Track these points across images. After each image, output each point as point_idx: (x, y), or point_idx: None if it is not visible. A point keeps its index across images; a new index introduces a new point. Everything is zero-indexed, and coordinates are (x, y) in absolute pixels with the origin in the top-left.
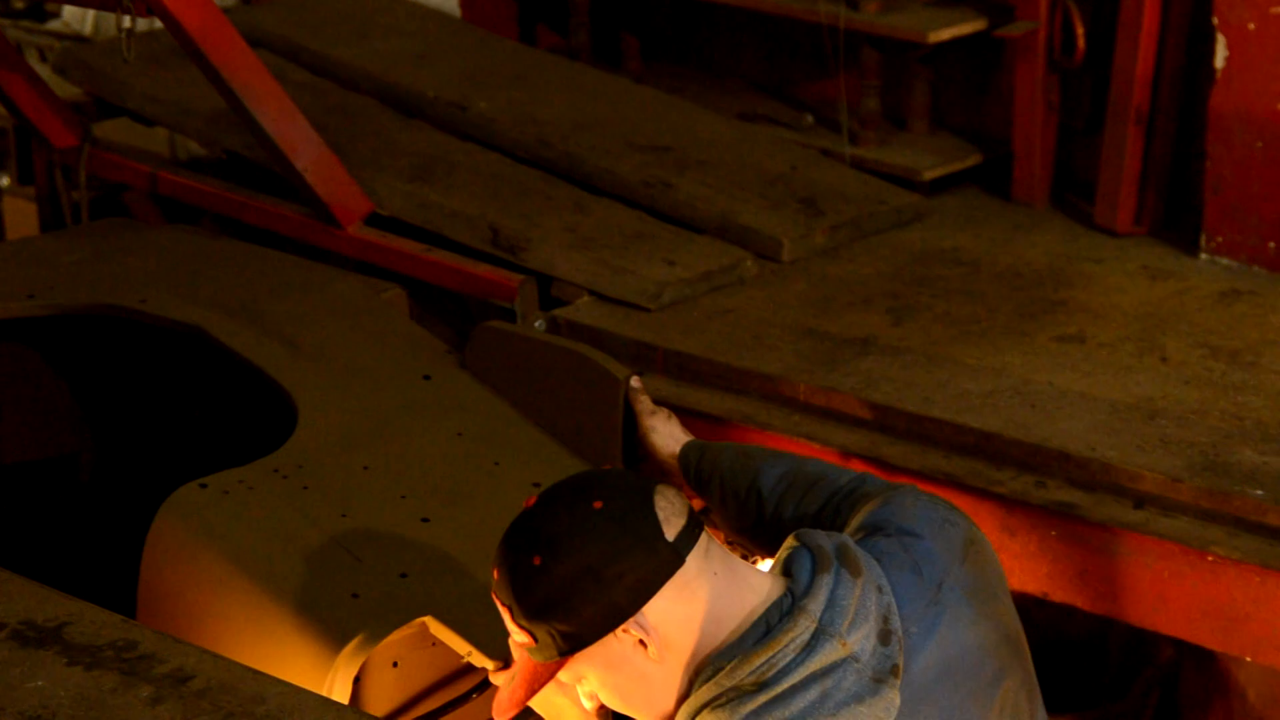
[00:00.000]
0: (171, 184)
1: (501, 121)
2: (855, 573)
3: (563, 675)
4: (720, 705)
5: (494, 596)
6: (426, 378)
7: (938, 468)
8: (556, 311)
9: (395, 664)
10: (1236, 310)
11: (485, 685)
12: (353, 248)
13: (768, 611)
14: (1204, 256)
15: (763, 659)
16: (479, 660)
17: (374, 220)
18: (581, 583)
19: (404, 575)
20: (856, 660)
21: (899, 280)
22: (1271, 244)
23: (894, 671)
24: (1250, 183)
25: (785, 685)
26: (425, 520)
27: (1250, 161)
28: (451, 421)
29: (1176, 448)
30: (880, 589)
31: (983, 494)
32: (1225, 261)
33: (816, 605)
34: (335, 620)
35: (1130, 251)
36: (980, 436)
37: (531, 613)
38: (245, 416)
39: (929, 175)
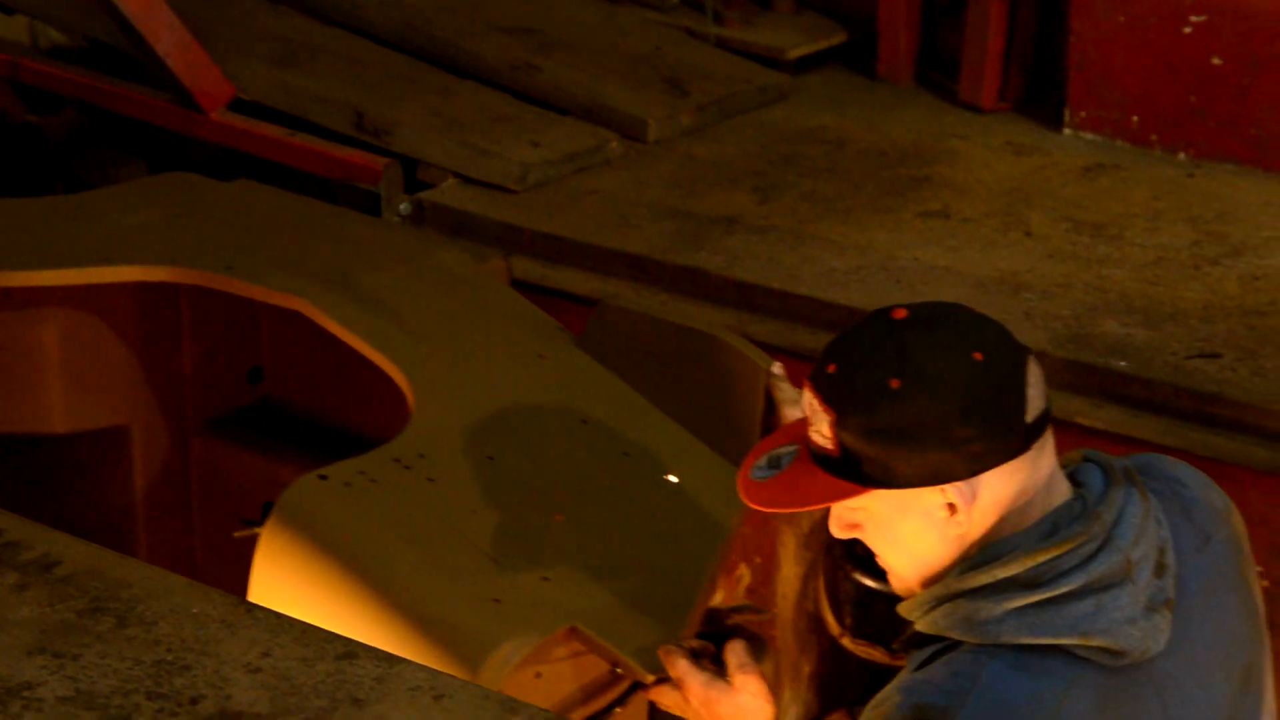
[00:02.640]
0: (34, 73)
1: (366, 5)
2: (1143, 497)
3: (849, 501)
4: (988, 595)
5: (812, 389)
6: (540, 356)
7: (804, 344)
8: (422, 195)
9: (538, 675)
10: (1100, 184)
11: (626, 698)
12: (216, 133)
13: (1056, 512)
14: (1068, 131)
15: (1046, 558)
16: (631, 672)
17: (237, 105)
18: (928, 430)
19: (546, 578)
20: (1133, 583)
21: (764, 159)
22: (1135, 118)
23: (1167, 604)
24: (1113, 57)
25: (1062, 590)
26: (559, 517)
27: (1113, 36)
28: (573, 406)
29: (1041, 321)
30: (1159, 521)
31: None
32: (1089, 136)
33: (1109, 516)
34: (477, 629)
35: (994, 128)
36: (846, 313)
37: (863, 433)
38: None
39: (794, 54)
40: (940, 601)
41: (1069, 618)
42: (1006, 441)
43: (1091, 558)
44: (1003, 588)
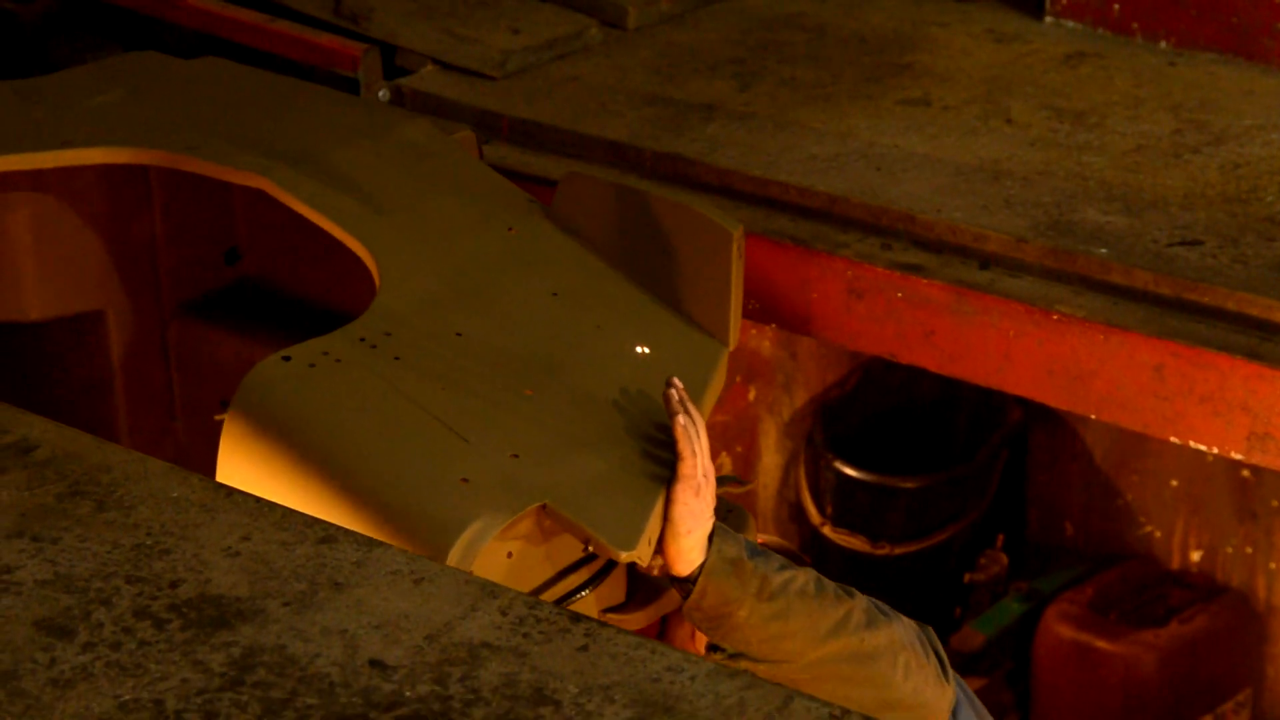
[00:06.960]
0: None
1: None
2: None
3: None
4: None
5: None
6: (510, 230)
7: (784, 230)
8: (400, 81)
9: (509, 554)
10: (1081, 72)
11: (596, 581)
12: (192, 18)
13: None
14: (1049, 19)
15: None
16: (603, 550)
17: None
18: None
19: (516, 456)
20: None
21: (744, 46)
22: (1116, 6)
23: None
24: None
25: None
26: (529, 393)
27: None
28: (543, 280)
29: (1021, 208)
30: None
31: (829, 256)
32: (1070, 24)
33: None
34: (447, 508)
35: (975, 15)
36: (826, 199)
37: None
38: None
39: None
40: None
41: None
42: None
43: None
44: None
